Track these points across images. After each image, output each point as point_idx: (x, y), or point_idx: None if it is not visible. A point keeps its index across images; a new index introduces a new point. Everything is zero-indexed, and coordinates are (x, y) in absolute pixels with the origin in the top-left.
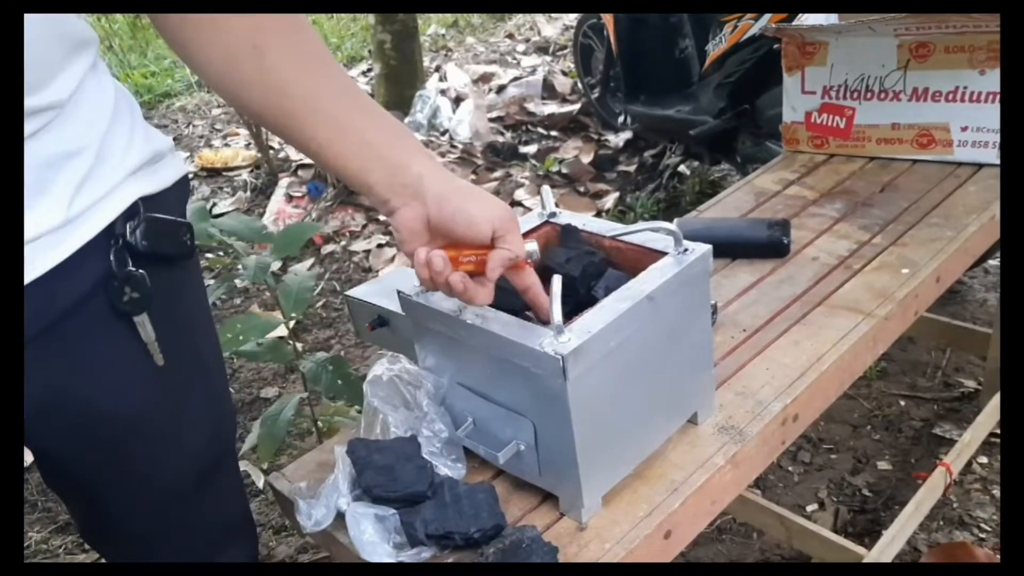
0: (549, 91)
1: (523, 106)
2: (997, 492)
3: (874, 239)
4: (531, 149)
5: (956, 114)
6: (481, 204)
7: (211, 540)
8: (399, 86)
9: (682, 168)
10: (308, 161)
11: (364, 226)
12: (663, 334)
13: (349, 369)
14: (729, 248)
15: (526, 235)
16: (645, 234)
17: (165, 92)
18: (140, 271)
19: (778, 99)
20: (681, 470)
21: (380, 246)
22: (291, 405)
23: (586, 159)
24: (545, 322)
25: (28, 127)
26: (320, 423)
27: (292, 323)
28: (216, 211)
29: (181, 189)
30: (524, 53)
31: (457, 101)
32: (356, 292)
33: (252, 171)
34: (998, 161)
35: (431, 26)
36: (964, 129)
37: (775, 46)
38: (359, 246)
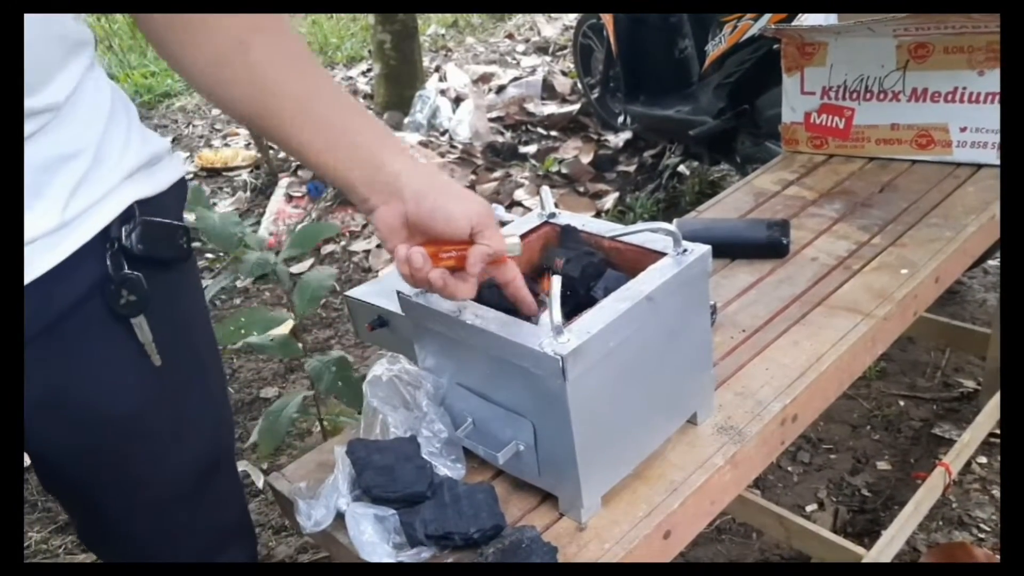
0: (549, 91)
1: (523, 106)
2: (996, 492)
3: (873, 239)
4: (531, 149)
5: (955, 115)
6: (459, 200)
7: (210, 541)
8: (399, 86)
9: (682, 168)
10: None
11: (364, 226)
12: (662, 334)
13: (352, 371)
14: (728, 248)
15: (525, 236)
16: (644, 235)
17: (165, 92)
18: (136, 274)
19: (777, 99)
20: (680, 470)
21: (380, 246)
22: (295, 402)
23: (586, 159)
24: (527, 317)
25: (25, 129)
26: (325, 422)
27: (296, 321)
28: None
29: (179, 191)
30: (524, 53)
31: (457, 101)
32: (356, 292)
33: (252, 171)
34: (997, 161)
35: (431, 26)
36: (963, 130)
37: (774, 46)
38: (359, 246)
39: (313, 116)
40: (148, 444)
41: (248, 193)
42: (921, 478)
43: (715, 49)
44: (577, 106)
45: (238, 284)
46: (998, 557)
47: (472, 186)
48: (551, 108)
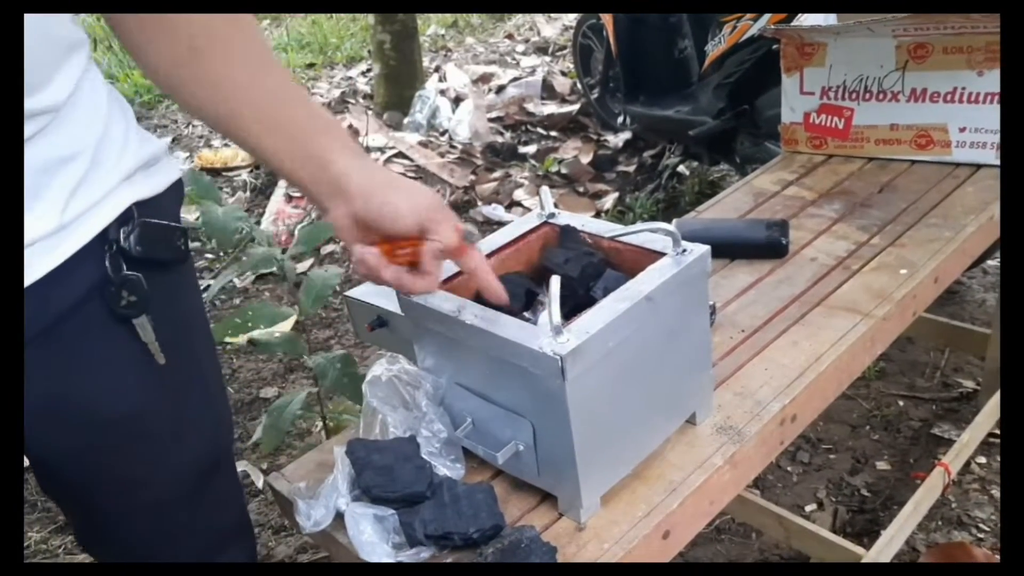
0: (548, 91)
1: (522, 106)
2: (995, 492)
3: (872, 239)
4: (530, 149)
5: (954, 115)
6: (404, 197)
7: (209, 541)
8: (399, 86)
9: (681, 168)
10: None
11: None
12: (662, 335)
13: (356, 368)
14: (728, 249)
15: (524, 236)
16: (644, 235)
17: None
18: (137, 274)
19: (777, 100)
20: (680, 470)
21: None
22: (299, 399)
23: (585, 159)
24: (496, 306)
25: (26, 131)
26: (329, 420)
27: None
28: None
29: (176, 193)
30: (523, 53)
31: (456, 101)
32: (355, 292)
33: (252, 171)
34: (996, 162)
35: (431, 26)
36: (962, 130)
37: (774, 47)
38: None
39: (265, 118)
40: (148, 444)
41: (248, 193)
42: (920, 478)
43: (715, 49)
44: (577, 106)
45: (238, 284)
46: (997, 557)
47: (472, 186)
48: (551, 108)
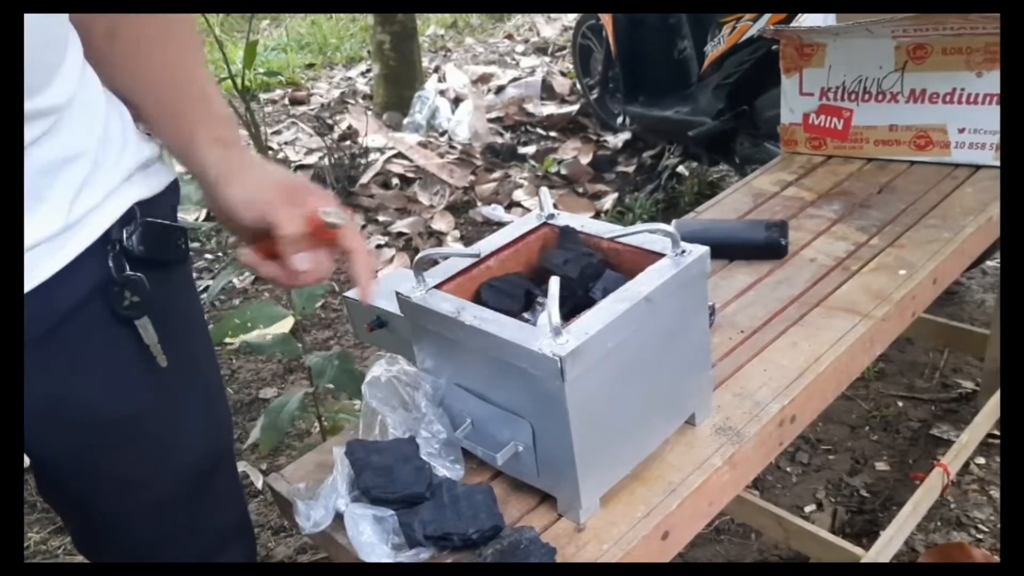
0: (548, 92)
1: (522, 107)
2: (994, 493)
3: (872, 240)
4: (530, 150)
5: (953, 116)
6: (241, 189)
7: (209, 542)
8: (398, 87)
9: (681, 169)
10: (307, 161)
11: (363, 227)
12: (661, 335)
13: (355, 364)
14: (727, 249)
15: (523, 237)
16: (643, 236)
17: None
18: (139, 275)
19: (776, 100)
20: (679, 471)
21: (379, 247)
22: (296, 399)
23: (585, 160)
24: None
25: (30, 132)
26: (325, 420)
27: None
28: None
29: (173, 193)
30: (523, 54)
31: (456, 102)
32: (355, 293)
33: None
34: (995, 163)
35: (430, 27)
36: (961, 131)
37: (773, 47)
38: None
39: (166, 106)
40: (148, 445)
41: None
42: (919, 479)
43: (714, 50)
44: (576, 107)
45: (238, 284)
46: (996, 557)
47: (471, 187)
48: (550, 109)
